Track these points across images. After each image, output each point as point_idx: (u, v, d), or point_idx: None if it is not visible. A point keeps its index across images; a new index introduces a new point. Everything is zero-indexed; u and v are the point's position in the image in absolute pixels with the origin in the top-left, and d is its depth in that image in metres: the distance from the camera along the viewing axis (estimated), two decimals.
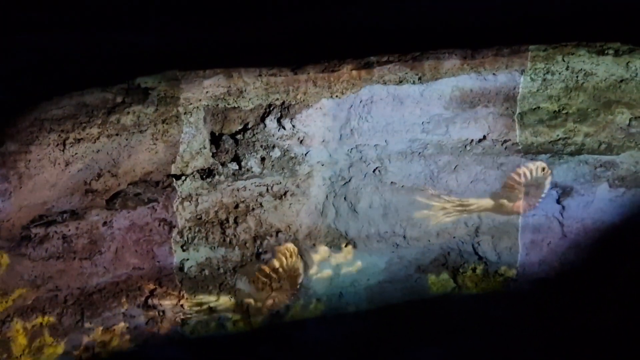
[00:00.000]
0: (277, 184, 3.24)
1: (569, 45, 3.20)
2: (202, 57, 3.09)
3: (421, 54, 3.15)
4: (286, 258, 3.32)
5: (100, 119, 2.89)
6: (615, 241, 3.50)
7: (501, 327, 3.61)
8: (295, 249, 3.34)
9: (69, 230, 2.94)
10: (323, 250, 3.39)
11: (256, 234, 3.28)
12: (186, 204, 3.14)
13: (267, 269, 3.31)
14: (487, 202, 3.44)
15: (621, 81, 3.26)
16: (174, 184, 3.10)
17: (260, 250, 3.30)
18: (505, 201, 3.43)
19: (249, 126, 3.14)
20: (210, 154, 3.13)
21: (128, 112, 2.94)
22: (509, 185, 3.39)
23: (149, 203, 3.08)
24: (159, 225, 3.13)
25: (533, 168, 3.35)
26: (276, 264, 3.31)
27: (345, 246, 3.40)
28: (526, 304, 3.62)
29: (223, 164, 3.15)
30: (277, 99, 3.12)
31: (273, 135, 3.16)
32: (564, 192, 3.43)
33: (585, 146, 3.34)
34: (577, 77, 3.24)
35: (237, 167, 3.15)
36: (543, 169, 3.35)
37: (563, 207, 3.46)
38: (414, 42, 3.18)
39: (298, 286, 3.42)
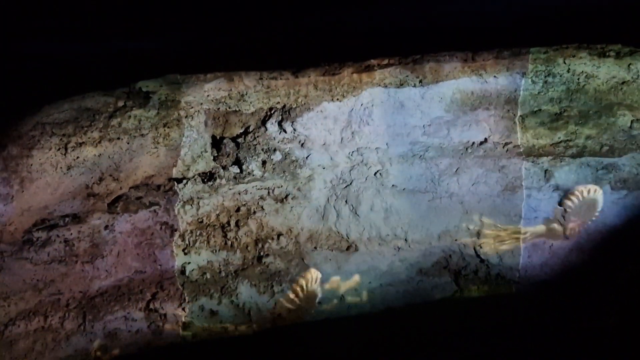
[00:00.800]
0: (279, 187, 3.24)
1: (570, 48, 3.20)
2: (203, 60, 3.11)
3: (422, 56, 3.15)
4: (308, 283, 3.35)
5: (101, 122, 2.90)
6: (617, 243, 3.50)
7: (503, 330, 3.59)
8: (319, 275, 3.36)
9: (71, 234, 2.95)
10: (334, 280, 3.42)
11: (257, 237, 3.28)
12: (187, 207, 3.15)
13: (291, 295, 3.35)
14: (540, 229, 3.47)
15: (622, 83, 3.25)
16: (176, 188, 3.10)
17: (261, 253, 3.30)
18: (556, 226, 3.45)
19: (250, 129, 3.15)
20: (212, 157, 3.13)
21: (129, 116, 2.94)
22: (560, 210, 3.43)
23: (150, 206, 3.08)
24: (161, 228, 3.13)
25: (584, 190, 3.37)
26: (297, 289, 3.34)
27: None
28: (528, 307, 3.61)
29: (224, 168, 3.15)
30: (278, 102, 3.13)
31: (274, 138, 3.16)
32: (565, 195, 3.42)
33: (587, 148, 3.34)
34: (578, 79, 3.24)
35: (238, 171, 3.16)
36: (595, 190, 3.38)
37: (565, 210, 3.45)
38: (414, 45, 3.18)
39: (313, 311, 3.44)
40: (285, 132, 3.15)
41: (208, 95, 3.05)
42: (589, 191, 3.37)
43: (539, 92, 3.26)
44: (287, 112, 3.14)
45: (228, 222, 3.23)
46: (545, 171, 3.37)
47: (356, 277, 3.44)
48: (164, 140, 3.02)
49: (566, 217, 3.43)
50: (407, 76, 3.16)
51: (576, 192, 3.37)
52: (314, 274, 3.35)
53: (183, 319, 3.28)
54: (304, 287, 3.35)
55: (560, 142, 3.32)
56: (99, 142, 2.91)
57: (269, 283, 3.34)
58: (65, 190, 2.89)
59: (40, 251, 2.89)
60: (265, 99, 3.11)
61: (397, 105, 3.21)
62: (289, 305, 3.38)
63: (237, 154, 3.15)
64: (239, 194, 3.21)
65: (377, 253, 3.45)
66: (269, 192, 3.24)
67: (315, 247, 3.36)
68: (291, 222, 3.32)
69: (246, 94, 3.09)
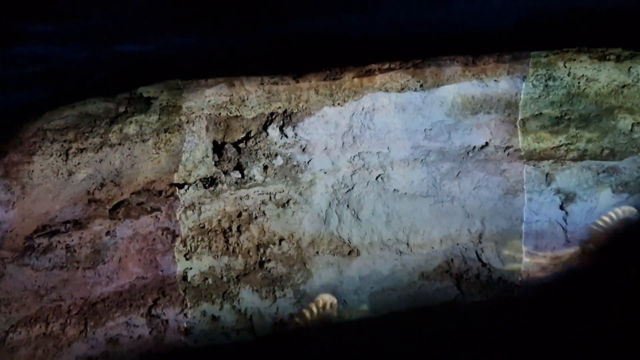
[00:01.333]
0: (280, 192, 3.24)
1: (571, 51, 3.21)
2: (204, 66, 3.10)
3: (422, 61, 3.16)
4: (318, 308, 3.38)
5: (102, 128, 2.90)
6: (619, 246, 3.50)
7: (505, 334, 3.59)
8: (335, 301, 3.39)
9: (72, 240, 2.94)
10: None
11: (259, 242, 3.28)
12: (189, 212, 3.14)
13: (306, 313, 3.37)
14: (576, 250, 3.49)
15: (623, 87, 3.26)
16: (177, 193, 3.10)
17: (263, 258, 3.29)
18: (591, 246, 3.47)
19: (252, 134, 3.15)
20: (213, 162, 3.13)
21: (131, 122, 2.94)
22: (594, 231, 3.45)
23: (152, 212, 3.08)
24: (162, 234, 3.13)
25: (619, 212, 3.39)
26: (307, 314, 3.37)
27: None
28: (530, 310, 3.61)
29: (226, 173, 3.15)
30: (279, 107, 3.13)
31: (275, 143, 3.16)
32: (567, 198, 3.42)
33: (588, 152, 3.34)
34: (578, 82, 3.25)
35: (239, 176, 3.15)
36: (631, 212, 3.41)
37: (566, 213, 3.45)
38: (415, 49, 3.18)
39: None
40: (286, 137, 3.15)
41: (209, 101, 3.05)
42: (623, 212, 3.38)
43: (539, 96, 3.26)
44: (289, 117, 3.14)
45: (230, 227, 3.23)
46: (547, 175, 3.37)
47: (365, 307, 3.47)
48: (165, 146, 3.02)
49: (600, 238, 3.45)
50: (408, 80, 3.17)
51: (611, 213, 3.39)
52: (325, 298, 3.37)
53: (185, 325, 3.27)
54: (318, 309, 3.38)
55: (561, 145, 3.33)
56: (100, 147, 2.91)
57: (271, 288, 3.33)
58: (66, 196, 2.89)
59: (41, 257, 2.89)
60: (267, 104, 3.12)
61: (398, 110, 3.21)
62: (301, 323, 3.39)
63: (238, 159, 3.15)
64: (241, 199, 3.20)
65: (379, 257, 3.44)
66: (270, 197, 3.24)
67: (317, 252, 3.36)
68: (293, 227, 3.31)
69: (247, 99, 3.09)
